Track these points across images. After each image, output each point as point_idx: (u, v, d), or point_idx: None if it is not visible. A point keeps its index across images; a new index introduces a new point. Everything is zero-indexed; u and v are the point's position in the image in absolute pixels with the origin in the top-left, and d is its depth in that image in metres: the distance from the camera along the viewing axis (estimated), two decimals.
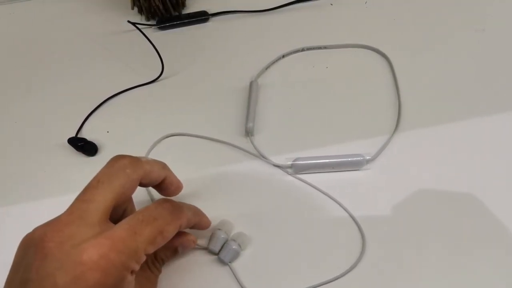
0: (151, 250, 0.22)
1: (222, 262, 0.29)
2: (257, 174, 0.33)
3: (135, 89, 0.40)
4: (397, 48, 0.41)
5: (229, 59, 0.42)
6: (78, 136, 0.37)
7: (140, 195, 0.31)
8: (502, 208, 0.30)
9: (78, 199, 0.22)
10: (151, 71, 0.41)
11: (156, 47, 0.40)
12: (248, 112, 0.36)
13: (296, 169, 0.33)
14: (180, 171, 0.33)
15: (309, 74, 0.40)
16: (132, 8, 0.47)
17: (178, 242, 0.27)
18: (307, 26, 0.45)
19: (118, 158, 0.24)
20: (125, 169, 0.23)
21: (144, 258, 0.22)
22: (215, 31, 0.45)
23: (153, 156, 0.35)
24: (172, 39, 0.45)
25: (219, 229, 0.29)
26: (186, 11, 0.48)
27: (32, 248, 0.20)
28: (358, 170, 0.33)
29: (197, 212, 0.28)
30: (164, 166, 0.27)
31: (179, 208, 0.24)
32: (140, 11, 0.47)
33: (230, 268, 0.29)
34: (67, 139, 0.36)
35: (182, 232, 0.28)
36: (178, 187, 0.28)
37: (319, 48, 0.42)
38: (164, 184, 0.27)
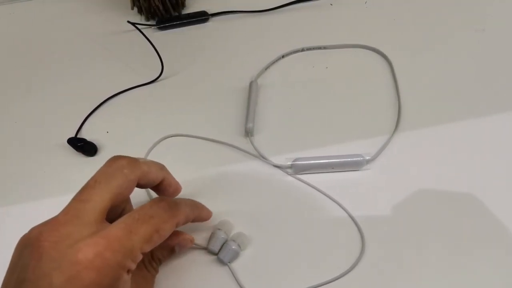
0: (147, 248, 0.22)
1: (222, 262, 0.29)
2: (257, 174, 0.33)
3: (135, 89, 0.40)
4: (397, 48, 0.41)
5: (229, 59, 0.42)
6: (78, 136, 0.37)
7: (139, 196, 0.31)
8: (502, 208, 0.30)
9: (75, 198, 0.22)
10: (151, 71, 0.41)
11: (156, 47, 0.40)
12: (248, 112, 0.36)
13: (296, 169, 0.33)
14: (180, 172, 0.33)
15: (309, 74, 0.40)
16: (132, 8, 0.47)
17: (175, 242, 0.27)
18: (307, 26, 0.45)
19: (116, 158, 0.24)
20: (123, 169, 0.23)
21: (140, 257, 0.22)
22: (215, 31, 0.45)
23: (152, 156, 0.35)
24: (172, 39, 0.45)
25: (219, 229, 0.29)
26: (186, 11, 0.48)
27: (28, 248, 0.20)
28: (358, 170, 0.33)
29: (195, 206, 0.27)
30: (162, 167, 0.27)
31: (175, 205, 0.24)
32: (140, 11, 0.47)
33: (230, 268, 0.29)
34: (66, 139, 0.36)
35: (179, 231, 0.28)
36: (177, 189, 0.28)
37: (319, 48, 0.42)
38: (162, 186, 0.27)
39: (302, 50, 0.42)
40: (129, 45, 0.45)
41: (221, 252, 0.29)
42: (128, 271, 0.21)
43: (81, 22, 0.48)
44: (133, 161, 0.24)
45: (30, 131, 0.38)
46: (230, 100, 0.38)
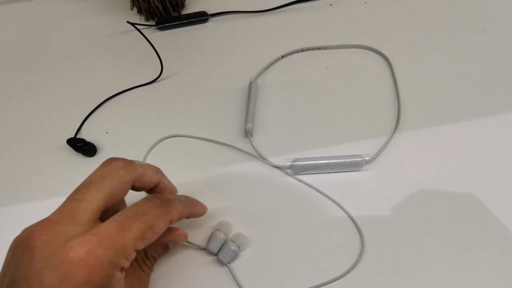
0: (141, 246, 0.22)
1: (221, 262, 0.29)
2: (256, 175, 0.33)
3: (135, 90, 0.40)
4: (396, 48, 0.41)
5: (228, 59, 0.42)
6: (77, 136, 0.37)
7: (137, 199, 0.31)
8: (502, 208, 0.30)
9: (69, 198, 0.22)
10: (150, 72, 0.41)
11: (156, 47, 0.40)
12: (247, 112, 0.36)
13: (295, 170, 0.33)
14: (179, 172, 0.33)
15: (308, 75, 0.40)
16: (132, 9, 0.47)
17: (168, 238, 0.26)
18: (307, 27, 0.45)
19: (111, 160, 0.24)
20: (118, 171, 0.23)
21: (134, 254, 0.21)
22: (215, 32, 0.45)
23: (152, 157, 0.35)
24: (172, 40, 0.45)
25: (218, 230, 0.29)
26: (186, 11, 0.48)
27: (20, 248, 0.20)
28: (357, 170, 0.33)
29: (189, 202, 0.27)
30: (158, 170, 0.27)
31: (168, 202, 0.24)
32: (140, 12, 0.47)
33: (229, 269, 0.29)
34: (66, 139, 0.36)
35: (172, 227, 0.27)
36: (172, 192, 0.28)
37: (319, 48, 0.42)
38: (158, 189, 0.27)
39: (302, 50, 0.42)
40: (128, 45, 0.45)
41: (220, 252, 0.29)
42: (122, 269, 0.21)
43: (80, 22, 0.48)
44: (128, 163, 0.24)
45: (30, 132, 0.38)
46: (230, 100, 0.38)
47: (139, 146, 0.35)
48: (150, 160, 0.35)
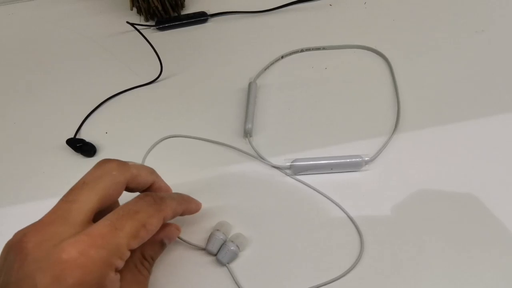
0: (135, 244, 0.21)
1: (220, 263, 0.29)
2: (255, 175, 0.33)
3: (134, 90, 0.40)
4: (396, 49, 0.41)
5: (228, 59, 0.42)
6: (77, 137, 0.37)
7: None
8: (502, 208, 0.30)
9: (62, 200, 0.22)
10: (150, 72, 0.41)
11: (155, 47, 0.40)
12: (247, 113, 0.36)
13: (295, 170, 0.33)
14: (179, 173, 0.34)
15: (308, 75, 0.40)
16: (131, 9, 0.47)
17: (162, 235, 0.26)
18: (306, 27, 0.45)
19: (105, 161, 0.24)
20: (112, 172, 0.23)
21: (128, 254, 0.21)
22: (214, 32, 0.45)
23: (151, 157, 0.35)
24: (171, 40, 0.45)
25: (217, 230, 0.29)
26: (185, 11, 0.48)
27: (12, 251, 0.20)
28: (357, 171, 0.33)
29: (182, 199, 0.27)
30: (152, 171, 0.27)
31: (161, 199, 0.24)
32: (139, 12, 0.47)
33: (228, 269, 0.28)
34: (65, 140, 0.36)
35: (165, 223, 0.27)
36: (167, 192, 0.28)
37: (318, 49, 0.42)
38: (152, 190, 0.27)
39: (301, 50, 0.42)
40: (128, 45, 0.45)
41: (220, 253, 0.29)
42: (116, 269, 0.21)
43: (80, 22, 0.48)
44: (122, 164, 0.24)
45: (29, 132, 0.38)
46: (229, 100, 0.38)
47: (139, 146, 0.35)
48: (149, 160, 0.35)
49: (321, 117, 0.37)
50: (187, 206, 0.27)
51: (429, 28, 0.43)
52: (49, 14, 0.49)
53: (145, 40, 0.41)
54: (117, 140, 0.37)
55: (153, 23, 0.46)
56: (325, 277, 0.28)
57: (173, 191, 0.32)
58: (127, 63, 0.43)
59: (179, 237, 0.30)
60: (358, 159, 0.32)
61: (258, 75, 0.40)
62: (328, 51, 0.42)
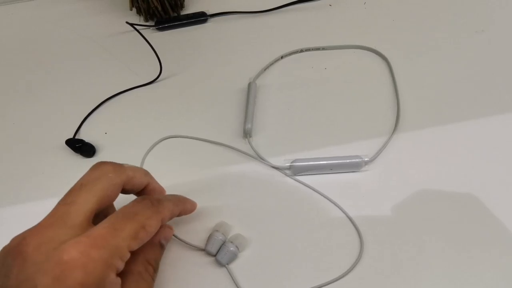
0: (135, 245, 0.22)
1: (220, 264, 0.29)
2: (255, 175, 0.33)
3: (134, 90, 0.40)
4: (396, 49, 0.41)
5: (227, 60, 0.42)
6: (76, 137, 0.37)
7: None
8: (502, 208, 0.30)
9: (60, 202, 0.22)
10: (150, 72, 0.41)
11: (155, 48, 0.40)
12: (246, 113, 0.36)
13: (294, 170, 0.33)
14: (178, 173, 0.34)
15: (307, 75, 0.40)
16: (131, 9, 0.47)
17: (160, 236, 0.26)
18: (306, 27, 0.45)
19: (101, 163, 0.24)
20: (108, 174, 0.23)
21: (128, 255, 0.21)
22: (214, 32, 0.45)
23: (151, 158, 0.35)
24: (171, 40, 0.45)
25: (217, 231, 0.29)
26: (185, 12, 0.48)
27: (10, 255, 0.20)
28: (356, 171, 0.33)
29: (178, 200, 0.27)
30: (146, 173, 0.27)
31: (158, 202, 0.24)
32: (139, 12, 0.47)
33: (228, 270, 0.28)
34: (64, 140, 0.35)
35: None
36: (161, 194, 0.28)
37: (318, 49, 0.42)
38: (147, 191, 0.27)
39: (301, 51, 0.42)
40: (127, 46, 0.45)
41: (219, 253, 0.29)
42: (117, 271, 0.21)
43: (80, 22, 0.48)
44: (118, 166, 0.24)
45: (29, 132, 0.38)
46: (229, 101, 0.38)
47: (138, 146, 0.35)
48: (149, 161, 0.35)
49: (321, 117, 0.37)
50: (183, 207, 0.28)
51: (429, 28, 0.43)
52: (49, 14, 0.49)
53: (144, 40, 0.41)
54: (117, 140, 0.36)
55: (153, 23, 0.46)
56: (325, 277, 0.28)
57: (173, 191, 0.32)
58: (127, 63, 0.43)
59: (178, 238, 0.30)
60: (358, 160, 0.32)
61: (257, 75, 0.40)
62: (327, 51, 0.42)
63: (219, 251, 0.29)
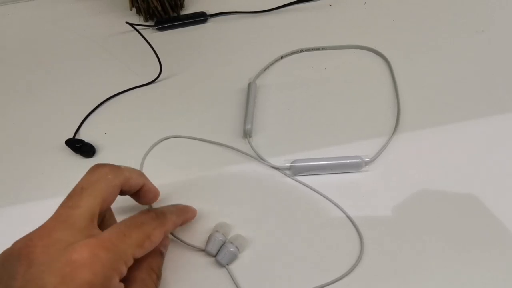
0: (139, 254, 0.22)
1: (220, 264, 0.29)
2: (255, 176, 0.33)
3: (133, 90, 0.40)
4: (396, 49, 0.41)
5: (227, 60, 0.42)
6: (76, 137, 0.36)
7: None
8: (502, 208, 0.30)
9: (63, 205, 0.22)
10: (149, 72, 0.41)
11: (154, 48, 0.40)
12: (246, 113, 0.36)
13: (295, 171, 0.33)
14: (178, 173, 0.34)
15: (307, 75, 0.40)
16: (131, 9, 0.47)
17: (161, 244, 0.27)
18: (306, 27, 0.45)
19: (98, 166, 0.25)
20: (107, 176, 0.24)
21: (131, 262, 0.22)
22: (214, 32, 0.45)
23: (151, 158, 0.35)
24: (171, 40, 0.45)
25: (217, 231, 0.29)
26: (185, 12, 0.48)
27: (15, 259, 0.20)
28: (356, 172, 0.33)
29: (180, 212, 0.28)
30: (141, 174, 0.27)
31: (162, 214, 0.25)
32: (139, 12, 0.47)
33: (228, 271, 0.28)
34: (64, 140, 0.35)
35: None
36: (156, 194, 0.29)
37: (318, 49, 0.42)
38: (142, 192, 0.27)
39: (301, 51, 0.42)
40: (127, 46, 0.45)
41: (219, 254, 0.29)
42: (120, 276, 0.21)
43: (80, 22, 0.48)
44: (115, 168, 0.25)
45: (29, 132, 0.38)
46: (229, 101, 0.38)
47: (138, 146, 0.35)
48: (149, 161, 0.35)
49: (321, 117, 0.37)
50: (185, 216, 0.29)
51: (429, 28, 0.43)
52: (49, 14, 0.49)
53: (144, 41, 0.41)
54: (117, 140, 0.36)
55: (153, 23, 0.46)
56: (326, 277, 0.28)
57: (173, 191, 0.32)
58: (127, 63, 0.43)
59: (178, 238, 0.30)
60: (358, 160, 0.32)
61: (257, 75, 0.40)
62: (328, 51, 0.42)
63: (219, 251, 0.29)
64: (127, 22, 0.42)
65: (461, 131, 0.35)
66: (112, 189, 0.24)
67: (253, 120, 0.36)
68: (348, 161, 0.32)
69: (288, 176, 0.33)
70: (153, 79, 0.40)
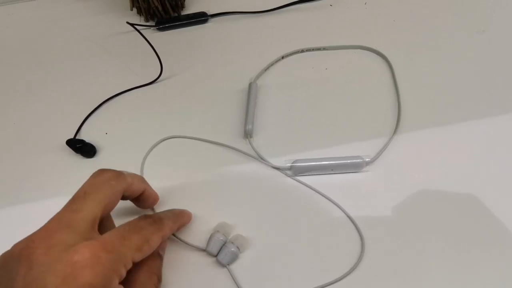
0: (138, 258, 0.23)
1: (220, 264, 0.29)
2: (256, 176, 0.33)
3: (134, 91, 0.40)
4: (396, 49, 0.41)
5: (228, 60, 0.42)
6: (77, 137, 0.36)
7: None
8: (502, 208, 0.30)
9: (66, 209, 0.23)
10: (150, 72, 0.41)
11: (155, 48, 0.40)
12: (247, 113, 0.36)
13: (295, 171, 0.33)
14: (179, 174, 0.34)
15: (308, 76, 0.40)
16: (131, 9, 0.47)
17: (159, 248, 0.27)
18: (307, 27, 0.45)
19: (101, 171, 0.25)
20: (110, 181, 0.24)
21: (130, 265, 0.22)
22: (214, 32, 0.45)
23: (151, 158, 0.35)
24: (171, 40, 0.45)
25: (218, 231, 0.29)
26: (185, 12, 0.48)
27: (15, 260, 0.20)
28: (357, 172, 0.33)
29: (176, 217, 0.28)
30: (143, 179, 0.28)
31: (160, 220, 0.26)
32: (139, 12, 0.47)
33: (229, 271, 0.28)
34: (65, 140, 0.35)
35: None
36: (155, 199, 0.30)
37: (319, 49, 0.42)
38: (143, 197, 0.28)
39: (302, 51, 0.42)
40: (128, 46, 0.45)
41: (220, 254, 0.29)
42: (119, 279, 0.21)
43: (80, 22, 0.48)
44: (118, 174, 0.25)
45: (29, 132, 0.38)
46: (229, 101, 0.38)
47: (139, 147, 0.35)
48: (149, 162, 0.35)
49: (321, 117, 0.37)
50: (181, 221, 0.29)
51: (429, 28, 0.43)
52: (49, 14, 0.49)
53: (145, 41, 0.41)
54: (117, 140, 0.36)
55: (153, 24, 0.46)
56: (326, 278, 0.28)
57: (173, 191, 0.32)
58: (127, 63, 0.43)
59: (179, 238, 0.30)
60: (358, 160, 0.32)
61: (258, 76, 0.40)
62: (328, 51, 0.42)
63: (220, 251, 0.29)
64: (127, 22, 0.42)
65: (461, 131, 0.35)
66: (115, 195, 0.24)
67: (254, 120, 0.36)
68: (348, 161, 0.32)
69: (288, 176, 0.33)
70: (153, 79, 0.40)
